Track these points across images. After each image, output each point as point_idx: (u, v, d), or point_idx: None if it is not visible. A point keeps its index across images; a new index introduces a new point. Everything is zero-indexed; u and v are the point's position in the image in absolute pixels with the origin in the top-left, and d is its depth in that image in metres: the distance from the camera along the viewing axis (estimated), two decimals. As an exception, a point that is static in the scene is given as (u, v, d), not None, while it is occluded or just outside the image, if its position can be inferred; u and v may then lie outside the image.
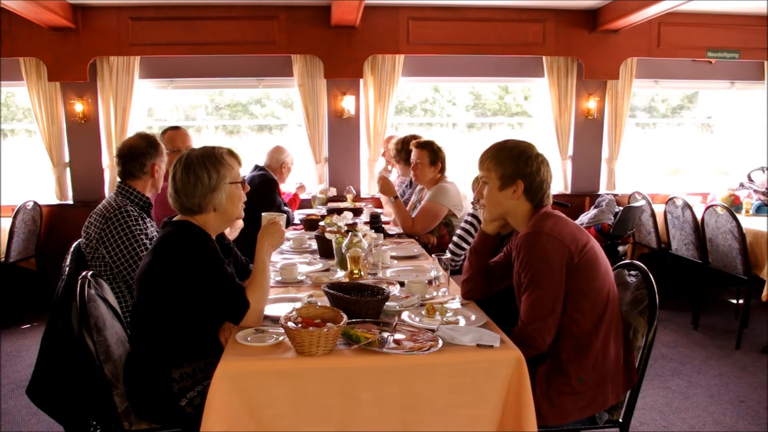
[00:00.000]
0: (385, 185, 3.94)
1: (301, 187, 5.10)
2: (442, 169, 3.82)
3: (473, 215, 3.11)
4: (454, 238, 3.20)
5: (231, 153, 2.06)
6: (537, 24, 5.39)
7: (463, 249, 3.11)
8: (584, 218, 5.13)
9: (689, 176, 6.32)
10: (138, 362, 1.94)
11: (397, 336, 1.76)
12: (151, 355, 1.92)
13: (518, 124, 6.23)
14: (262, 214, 2.41)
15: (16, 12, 4.44)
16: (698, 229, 4.30)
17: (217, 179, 1.97)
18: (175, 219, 2.02)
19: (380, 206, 4.87)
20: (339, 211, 3.37)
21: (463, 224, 3.17)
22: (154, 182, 2.64)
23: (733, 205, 4.86)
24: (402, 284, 2.34)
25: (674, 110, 6.32)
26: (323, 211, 4.55)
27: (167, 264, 1.89)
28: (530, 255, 1.91)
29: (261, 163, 4.52)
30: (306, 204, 5.20)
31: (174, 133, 3.57)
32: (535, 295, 1.89)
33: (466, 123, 6.19)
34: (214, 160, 1.98)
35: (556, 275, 1.88)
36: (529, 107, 6.19)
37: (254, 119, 6.12)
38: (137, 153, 2.59)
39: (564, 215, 2.04)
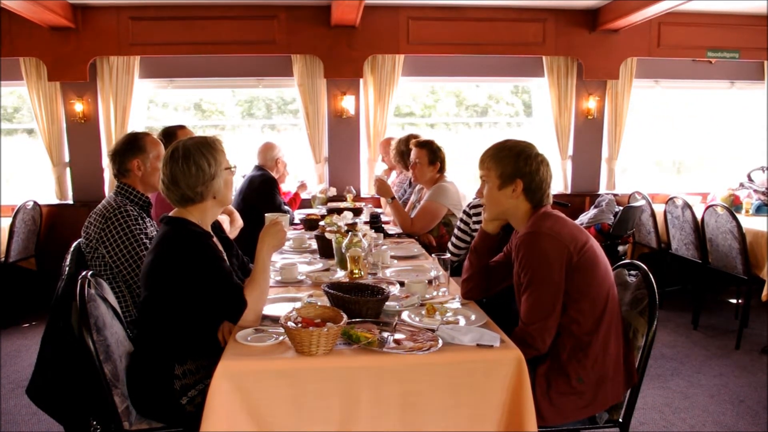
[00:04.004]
0: (381, 187, 3.94)
1: (303, 186, 5.09)
2: (441, 169, 3.81)
3: (465, 213, 3.09)
4: (453, 239, 3.19)
5: (219, 140, 2.08)
6: (537, 24, 5.39)
7: (461, 248, 3.10)
8: (584, 218, 5.12)
9: (689, 176, 6.32)
10: (142, 357, 1.96)
11: (397, 336, 1.76)
12: (155, 350, 1.93)
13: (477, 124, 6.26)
14: (266, 215, 2.41)
15: (16, 12, 4.44)
16: (698, 229, 4.30)
17: (216, 166, 1.99)
18: (171, 214, 2.03)
19: (380, 206, 4.87)
20: (339, 211, 3.37)
21: (458, 223, 3.16)
22: (143, 179, 2.61)
23: (733, 205, 4.85)
24: (402, 284, 2.34)
25: (675, 110, 6.31)
26: (323, 210, 4.55)
27: (167, 263, 1.90)
28: (530, 255, 1.91)
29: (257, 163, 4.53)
30: (306, 204, 5.20)
31: (182, 131, 3.56)
32: (536, 296, 1.89)
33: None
34: (210, 147, 2.00)
35: (555, 275, 1.88)
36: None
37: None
38: (115, 153, 2.60)
39: (563, 215, 2.04)
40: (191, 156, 1.96)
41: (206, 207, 2.03)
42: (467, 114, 6.30)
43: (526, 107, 6.27)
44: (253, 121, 6.07)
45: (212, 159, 1.98)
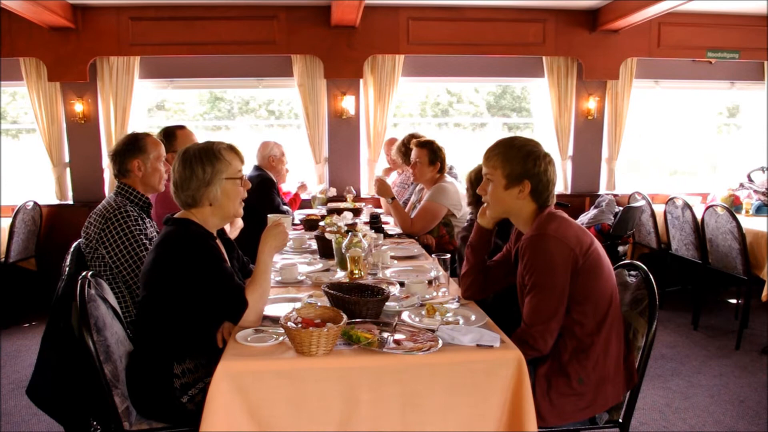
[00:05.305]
0: (381, 187, 3.94)
1: (303, 186, 5.10)
2: (441, 169, 3.81)
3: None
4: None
5: (231, 148, 2.07)
6: (537, 24, 5.39)
7: None
8: (584, 218, 5.12)
9: (689, 176, 6.32)
10: (141, 356, 1.96)
11: (397, 336, 1.76)
12: (155, 349, 1.93)
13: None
14: (268, 216, 2.41)
15: (16, 12, 4.44)
16: (698, 229, 4.30)
17: (212, 174, 1.99)
18: (176, 215, 2.04)
19: (380, 206, 4.87)
20: (339, 211, 3.37)
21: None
22: (144, 179, 2.62)
23: (733, 206, 4.85)
24: (402, 284, 2.34)
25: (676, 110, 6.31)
26: (323, 211, 4.55)
27: (168, 262, 1.90)
28: (535, 258, 1.90)
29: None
30: (306, 204, 5.20)
31: (181, 132, 3.56)
32: (539, 298, 1.88)
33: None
34: (210, 155, 2.00)
35: (560, 278, 1.87)
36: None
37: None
38: (116, 153, 2.61)
39: (567, 216, 2.03)
40: (189, 160, 1.98)
41: (205, 213, 2.03)
42: (432, 113, 6.30)
43: (489, 107, 6.28)
44: (218, 122, 6.10)
45: (209, 166, 1.98)
